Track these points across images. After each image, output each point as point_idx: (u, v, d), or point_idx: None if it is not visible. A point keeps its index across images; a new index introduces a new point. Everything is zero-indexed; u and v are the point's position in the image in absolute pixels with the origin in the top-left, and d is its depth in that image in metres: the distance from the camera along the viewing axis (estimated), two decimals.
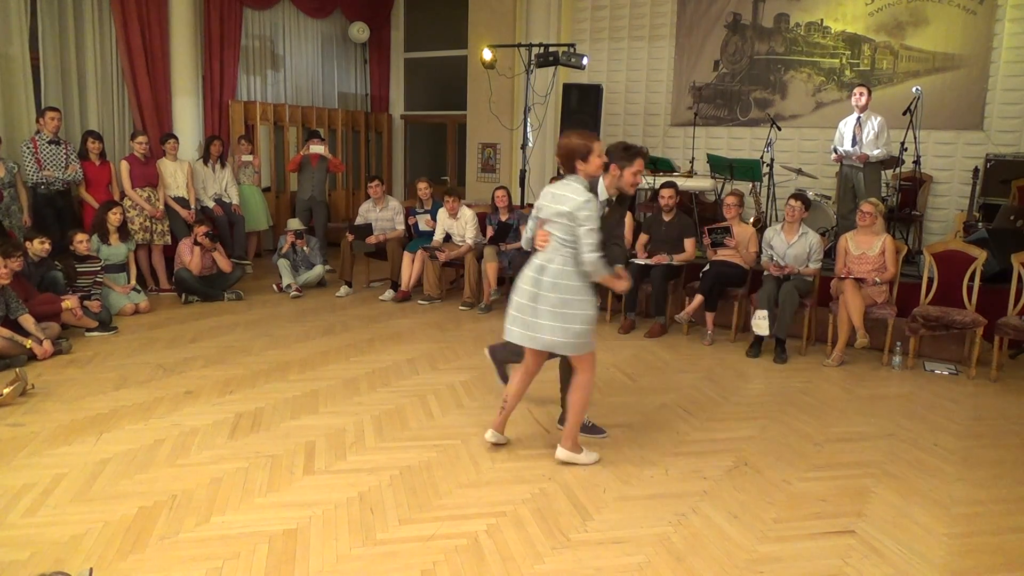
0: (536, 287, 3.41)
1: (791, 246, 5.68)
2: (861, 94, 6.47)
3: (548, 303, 3.38)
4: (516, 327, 3.50)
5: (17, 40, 6.83)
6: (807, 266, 5.65)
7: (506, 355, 4.28)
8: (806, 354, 5.63)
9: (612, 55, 9.52)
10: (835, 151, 6.67)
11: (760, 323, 5.44)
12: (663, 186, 6.26)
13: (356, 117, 10.78)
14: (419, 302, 7.00)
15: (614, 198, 3.80)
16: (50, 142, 6.49)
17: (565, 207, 3.35)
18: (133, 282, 6.55)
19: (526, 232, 3.69)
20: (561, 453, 3.61)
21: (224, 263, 6.97)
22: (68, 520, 2.95)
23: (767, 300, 5.46)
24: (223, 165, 7.98)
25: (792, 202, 5.68)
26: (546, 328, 3.39)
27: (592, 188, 3.55)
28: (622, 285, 3.61)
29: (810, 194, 6.66)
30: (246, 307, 6.73)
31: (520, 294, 3.48)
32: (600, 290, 6.29)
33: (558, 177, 3.76)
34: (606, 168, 3.60)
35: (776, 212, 7.37)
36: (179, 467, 3.46)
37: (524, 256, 3.83)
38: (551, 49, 7.83)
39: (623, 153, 3.73)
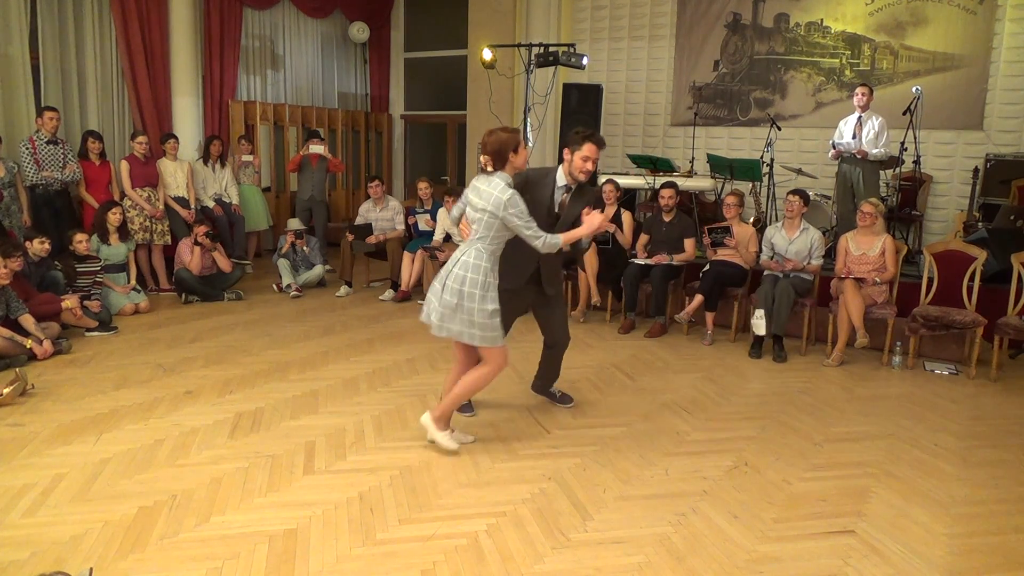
0: (448, 278, 3.48)
1: (792, 242, 5.70)
2: (863, 94, 6.48)
3: (454, 294, 3.43)
4: (433, 317, 3.52)
5: (17, 40, 6.83)
6: (809, 263, 5.66)
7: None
8: (806, 354, 5.63)
9: (612, 55, 9.52)
10: (833, 146, 6.67)
11: (758, 323, 5.45)
12: (663, 186, 6.26)
13: (356, 117, 10.78)
14: (419, 302, 6.97)
15: (572, 187, 3.78)
16: (48, 142, 6.49)
17: (488, 205, 3.38)
18: (133, 282, 6.54)
19: (444, 220, 3.70)
20: (426, 419, 3.70)
21: (224, 263, 6.97)
22: (68, 520, 2.95)
23: (765, 299, 5.47)
24: (223, 165, 7.99)
25: (791, 198, 5.71)
26: (455, 319, 3.45)
27: (529, 181, 3.63)
28: (596, 220, 3.51)
29: (810, 194, 6.66)
30: (246, 307, 6.73)
31: (439, 280, 3.53)
32: (600, 290, 6.38)
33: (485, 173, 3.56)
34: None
35: (776, 212, 7.37)
36: (179, 467, 3.46)
37: None
38: (551, 49, 7.82)
39: (574, 136, 3.70)
